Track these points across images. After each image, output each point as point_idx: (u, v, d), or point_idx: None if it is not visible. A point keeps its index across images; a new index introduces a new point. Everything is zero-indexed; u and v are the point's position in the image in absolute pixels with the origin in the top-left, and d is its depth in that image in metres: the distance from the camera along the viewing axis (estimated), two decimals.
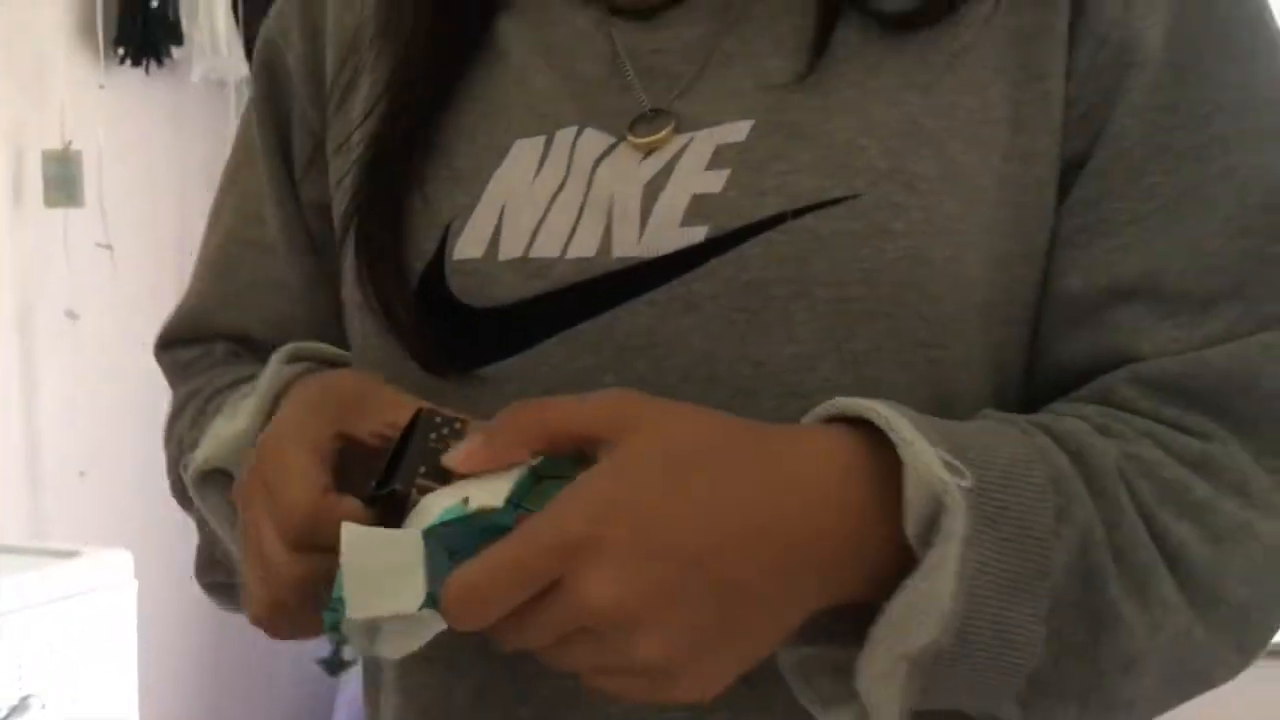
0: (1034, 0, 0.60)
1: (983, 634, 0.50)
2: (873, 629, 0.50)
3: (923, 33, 0.60)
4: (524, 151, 0.64)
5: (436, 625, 0.49)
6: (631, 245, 0.60)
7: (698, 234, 0.59)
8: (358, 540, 0.49)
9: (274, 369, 0.67)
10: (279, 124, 0.75)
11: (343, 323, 0.70)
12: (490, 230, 0.63)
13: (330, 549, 0.50)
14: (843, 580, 0.51)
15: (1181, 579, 0.54)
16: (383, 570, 0.48)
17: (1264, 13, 0.62)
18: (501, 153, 0.64)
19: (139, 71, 2.54)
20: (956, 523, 0.49)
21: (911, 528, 0.50)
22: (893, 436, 0.50)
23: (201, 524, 0.70)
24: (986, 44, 0.60)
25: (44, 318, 2.42)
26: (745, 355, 0.58)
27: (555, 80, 0.65)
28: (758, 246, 0.58)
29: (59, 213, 2.42)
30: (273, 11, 0.76)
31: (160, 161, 2.65)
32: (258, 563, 0.57)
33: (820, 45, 0.60)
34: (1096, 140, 0.59)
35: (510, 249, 0.62)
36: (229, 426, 0.66)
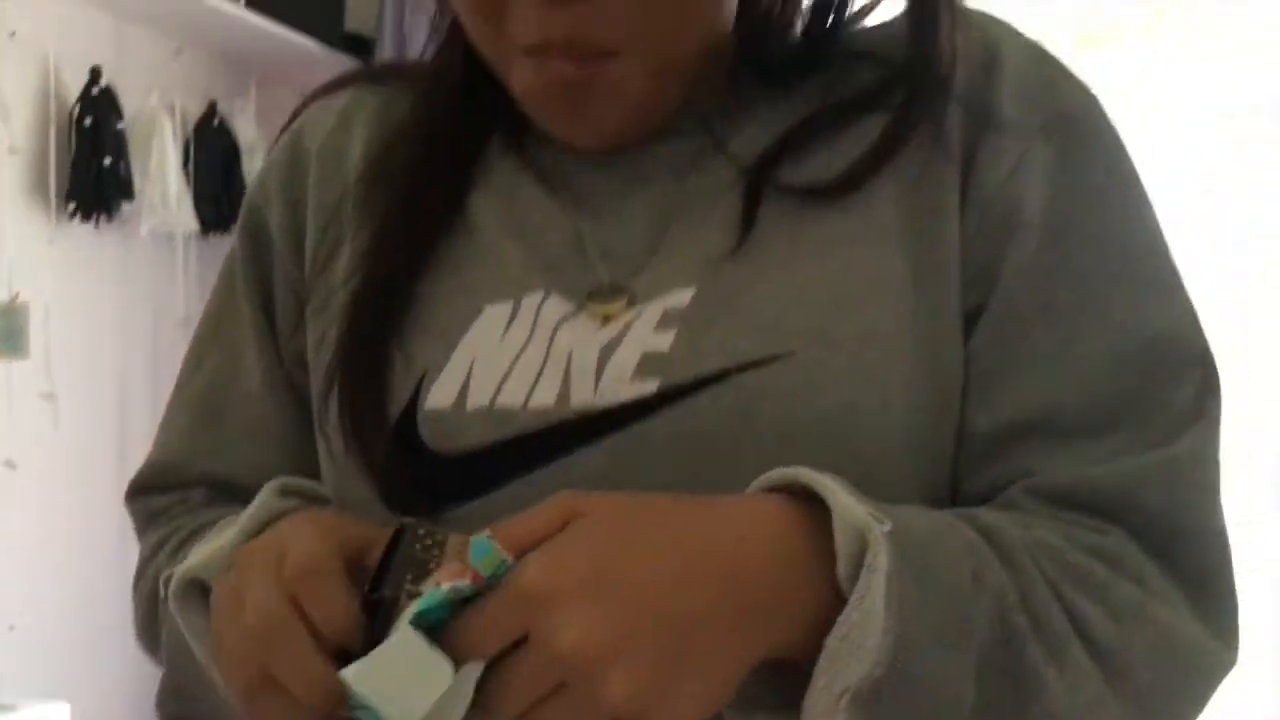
0: (931, 174, 0.68)
1: (917, 673, 0.55)
2: (815, 668, 0.55)
3: (836, 206, 0.68)
4: (494, 314, 0.70)
5: (460, 706, 0.53)
6: (588, 397, 0.65)
7: (649, 386, 0.64)
8: (366, 672, 0.52)
9: (264, 498, 0.71)
10: (262, 281, 0.80)
11: (318, 467, 0.74)
12: (460, 383, 0.68)
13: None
14: (788, 625, 0.56)
15: (1090, 650, 0.59)
16: (401, 676, 0.52)
17: (1134, 174, 0.70)
18: (473, 315, 0.70)
19: (89, 226, 2.59)
20: (880, 557, 0.54)
21: (842, 568, 0.55)
22: (819, 489, 0.56)
23: (172, 654, 0.72)
24: (891, 215, 0.68)
25: None
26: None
27: (524, 254, 0.71)
28: (705, 399, 0.64)
29: (1, 364, 2.44)
30: (256, 181, 0.83)
31: (105, 313, 2.68)
32: (283, 660, 0.56)
33: (748, 223, 0.68)
34: (990, 294, 0.67)
35: (477, 400, 0.67)
36: (211, 544, 0.69)
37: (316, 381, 0.74)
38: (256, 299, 0.80)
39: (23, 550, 2.43)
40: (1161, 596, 0.62)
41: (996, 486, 0.65)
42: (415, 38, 3.02)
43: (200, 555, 0.69)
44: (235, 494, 0.76)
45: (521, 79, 0.69)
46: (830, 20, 0.73)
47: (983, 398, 0.66)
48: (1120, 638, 0.60)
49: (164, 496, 0.81)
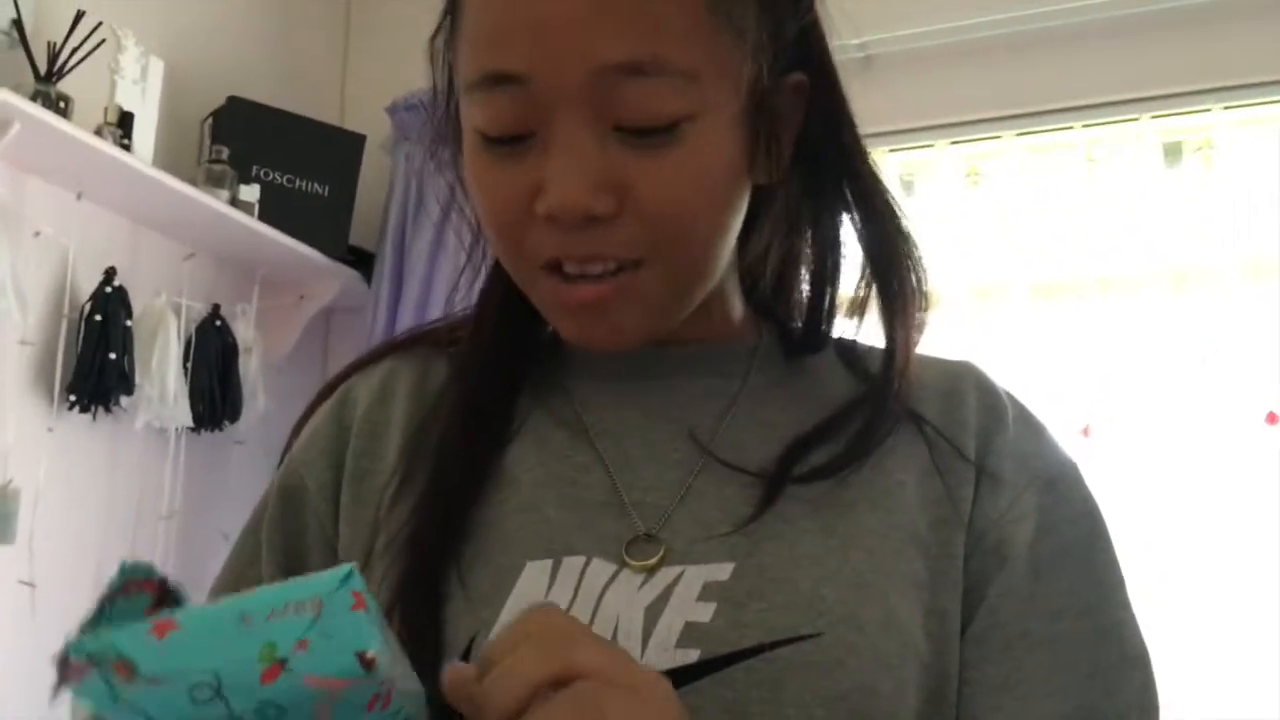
0: (951, 492, 0.79)
1: None
2: None
3: (861, 507, 0.78)
4: (535, 573, 0.76)
5: None
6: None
7: (691, 655, 0.73)
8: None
9: None
10: (288, 542, 0.85)
11: None
12: None
13: None
14: None
15: None
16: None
17: (1104, 529, 0.81)
18: (515, 573, 0.76)
19: (85, 417, 2.66)
20: None
21: None
22: None
23: None
24: (908, 524, 0.78)
25: None
26: None
27: (561, 510, 0.79)
28: (740, 670, 0.72)
29: None
30: (299, 445, 0.88)
31: (91, 503, 2.72)
32: None
33: (762, 507, 0.77)
34: (976, 611, 0.77)
35: None
36: None
37: None
38: (279, 558, 0.84)
39: None
40: None
41: None
42: (414, 255, 3.16)
43: None
44: None
45: (541, 295, 0.76)
46: (826, 308, 0.85)
47: (960, 712, 0.76)
48: None
49: None
